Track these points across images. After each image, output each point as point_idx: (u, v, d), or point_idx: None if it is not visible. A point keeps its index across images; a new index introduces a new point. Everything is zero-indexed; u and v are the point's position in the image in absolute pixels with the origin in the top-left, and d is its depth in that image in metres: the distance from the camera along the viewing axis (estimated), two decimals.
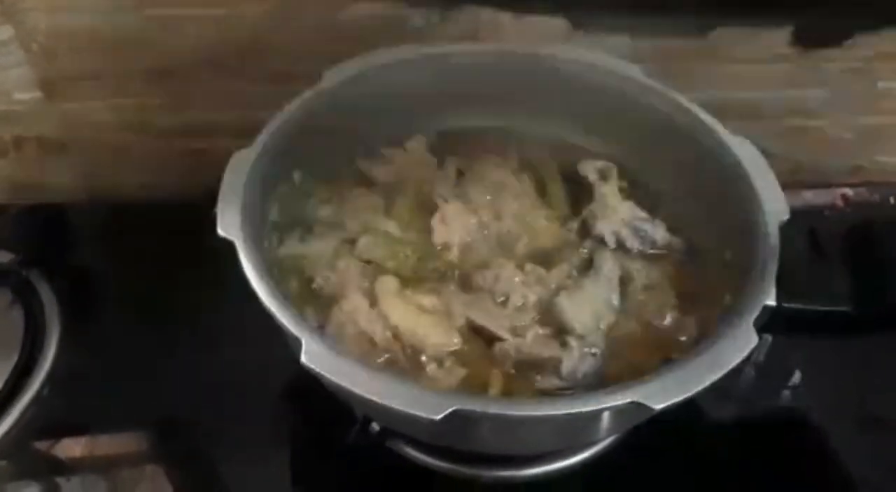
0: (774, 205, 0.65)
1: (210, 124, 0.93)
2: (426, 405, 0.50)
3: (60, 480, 0.71)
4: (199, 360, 0.80)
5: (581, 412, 0.51)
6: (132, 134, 0.94)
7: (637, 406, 0.51)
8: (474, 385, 0.63)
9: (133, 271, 0.91)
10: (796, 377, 0.82)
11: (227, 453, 0.74)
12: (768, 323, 0.59)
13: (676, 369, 0.54)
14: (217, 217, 0.61)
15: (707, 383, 0.52)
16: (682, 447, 0.75)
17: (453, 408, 0.50)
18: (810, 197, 1.03)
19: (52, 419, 0.75)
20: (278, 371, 0.75)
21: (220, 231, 0.60)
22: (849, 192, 1.03)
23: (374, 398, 0.51)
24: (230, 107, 0.91)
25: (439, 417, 0.49)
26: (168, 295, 0.87)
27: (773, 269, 0.60)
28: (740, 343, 0.55)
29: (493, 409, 0.51)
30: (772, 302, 0.60)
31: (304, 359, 0.52)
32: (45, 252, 0.89)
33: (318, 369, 0.52)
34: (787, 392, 0.81)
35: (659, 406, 0.51)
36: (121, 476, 0.71)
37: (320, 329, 0.65)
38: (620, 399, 0.51)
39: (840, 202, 1.03)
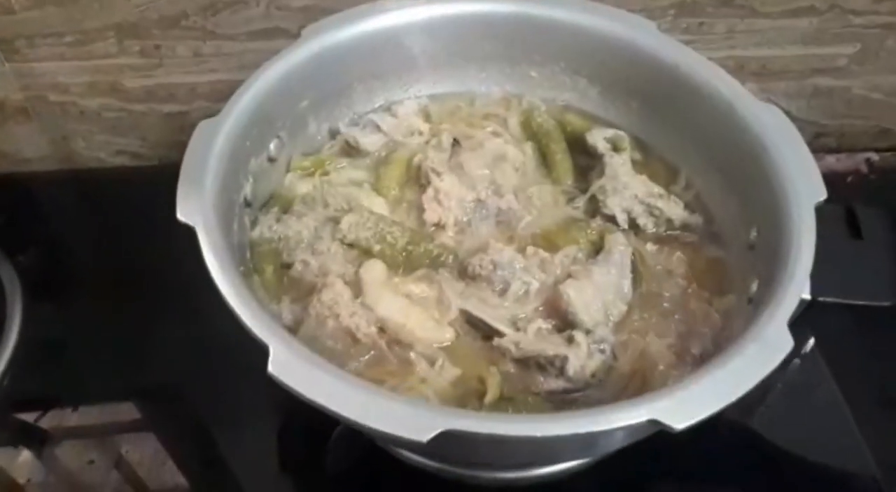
0: (808, 183, 0.59)
1: (187, 86, 0.88)
2: (412, 425, 0.44)
3: (27, 452, 0.70)
4: (178, 333, 0.76)
5: (589, 433, 0.44)
6: (102, 97, 0.89)
7: (655, 424, 0.45)
8: (469, 387, 0.58)
9: (107, 244, 0.87)
10: (809, 345, 0.76)
11: (199, 432, 0.72)
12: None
13: (699, 379, 0.47)
14: (177, 199, 0.55)
15: (735, 397, 0.46)
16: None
17: (442, 429, 0.44)
18: (832, 162, 0.99)
19: (15, 397, 0.73)
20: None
21: (180, 216, 0.55)
22: (874, 157, 0.99)
23: (353, 418, 0.45)
24: (207, 67, 0.86)
25: (427, 439, 0.44)
26: (144, 267, 0.82)
27: (808, 258, 0.54)
28: (772, 348, 0.49)
29: (488, 428, 0.45)
30: (806, 296, 0.53)
31: (271, 369, 0.46)
32: (8, 226, 0.85)
33: (287, 383, 0.46)
34: (796, 361, 0.76)
35: (680, 426, 0.45)
36: (87, 450, 0.70)
37: (297, 323, 0.60)
38: (635, 416, 0.45)
39: (864, 168, 0.99)
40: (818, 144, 1.02)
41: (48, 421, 0.71)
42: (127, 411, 0.73)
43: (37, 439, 0.70)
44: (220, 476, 0.69)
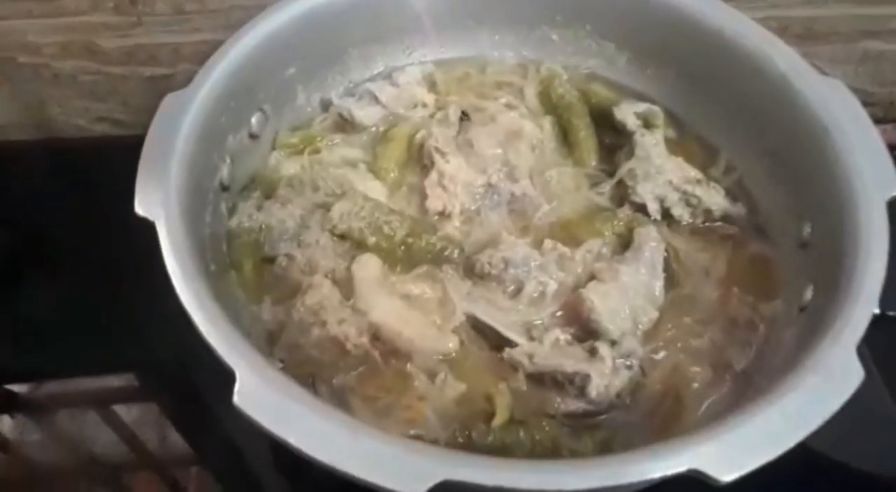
0: (878, 173, 0.52)
1: (169, 47, 0.83)
2: (404, 474, 0.38)
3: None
4: (163, 309, 0.70)
5: (616, 487, 0.37)
6: (77, 59, 0.84)
7: (696, 475, 0.38)
8: (475, 406, 0.52)
9: (88, 218, 0.81)
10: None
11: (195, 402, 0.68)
12: None
13: (751, 418, 0.40)
14: (136, 189, 0.50)
15: (793, 442, 0.39)
16: None
17: (441, 479, 0.37)
18: None
19: None
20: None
21: (139, 209, 0.49)
22: None
23: (331, 464, 0.38)
24: (190, 26, 0.81)
25: None
26: (127, 243, 0.74)
27: (880, 266, 0.47)
28: (839, 380, 0.42)
29: (495, 479, 0.38)
30: (875, 309, 0.46)
31: (236, 401, 0.40)
32: None
33: (254, 418, 0.39)
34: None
35: (726, 478, 0.38)
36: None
37: (280, 327, 0.54)
38: (673, 466, 0.38)
39: None
40: None
41: (27, 392, 0.71)
42: (111, 382, 0.72)
43: (17, 406, 0.69)
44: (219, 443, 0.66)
